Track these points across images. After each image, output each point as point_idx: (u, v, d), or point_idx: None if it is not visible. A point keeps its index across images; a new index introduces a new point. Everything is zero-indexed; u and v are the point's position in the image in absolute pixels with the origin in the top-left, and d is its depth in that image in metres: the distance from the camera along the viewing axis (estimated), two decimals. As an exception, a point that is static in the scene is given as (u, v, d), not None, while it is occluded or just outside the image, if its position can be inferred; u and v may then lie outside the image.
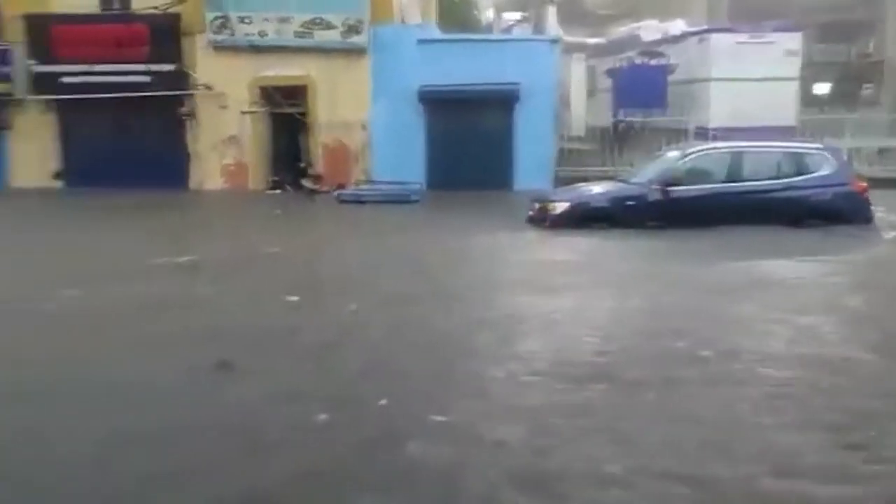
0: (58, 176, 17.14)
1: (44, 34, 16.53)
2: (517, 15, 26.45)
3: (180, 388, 4.41)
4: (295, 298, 6.64)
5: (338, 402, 4.14)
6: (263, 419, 3.94)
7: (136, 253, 9.00)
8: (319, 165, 16.78)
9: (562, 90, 17.94)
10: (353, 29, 16.27)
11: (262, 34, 16.30)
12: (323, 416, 3.91)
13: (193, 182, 17.02)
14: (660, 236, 10.02)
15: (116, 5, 17.01)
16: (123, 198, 14.26)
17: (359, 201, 14.60)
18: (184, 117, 16.89)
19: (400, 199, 14.47)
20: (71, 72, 16.34)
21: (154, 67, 16.37)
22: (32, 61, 16.60)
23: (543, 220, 10.97)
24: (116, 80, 16.22)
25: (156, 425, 3.82)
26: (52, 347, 5.26)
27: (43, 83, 16.70)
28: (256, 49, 16.34)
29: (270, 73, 16.49)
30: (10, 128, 17.21)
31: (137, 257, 8.62)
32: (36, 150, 17.11)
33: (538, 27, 20.89)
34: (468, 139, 16.43)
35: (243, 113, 16.66)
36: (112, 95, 16.14)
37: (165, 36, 16.49)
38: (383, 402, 4.12)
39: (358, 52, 16.41)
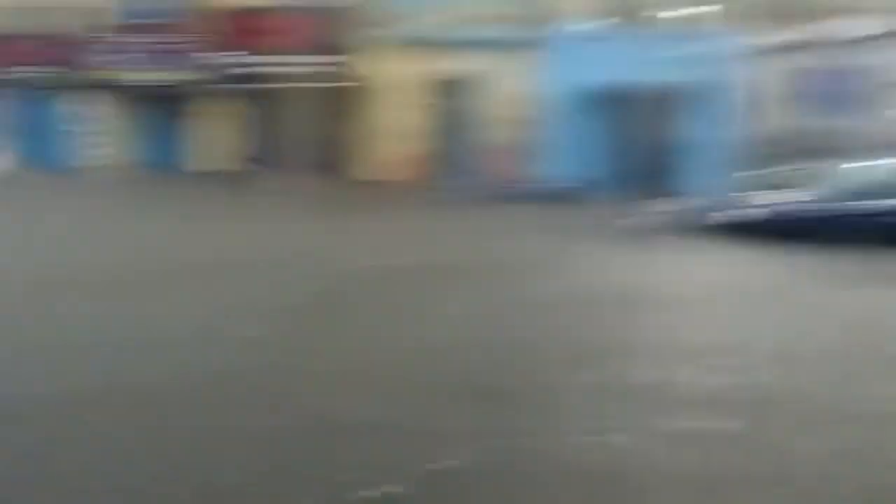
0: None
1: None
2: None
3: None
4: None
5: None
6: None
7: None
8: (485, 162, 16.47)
9: (748, 90, 16.84)
10: (523, 23, 15.87)
11: (432, 27, 16.08)
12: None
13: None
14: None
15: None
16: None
17: (523, 199, 14.02)
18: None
19: (566, 197, 13.92)
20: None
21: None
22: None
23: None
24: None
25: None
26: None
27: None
28: (429, 43, 16.06)
29: (438, 67, 16.37)
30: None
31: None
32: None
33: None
34: (642, 139, 15.86)
35: (420, 106, 16.70)
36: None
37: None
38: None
39: (529, 47, 15.69)
